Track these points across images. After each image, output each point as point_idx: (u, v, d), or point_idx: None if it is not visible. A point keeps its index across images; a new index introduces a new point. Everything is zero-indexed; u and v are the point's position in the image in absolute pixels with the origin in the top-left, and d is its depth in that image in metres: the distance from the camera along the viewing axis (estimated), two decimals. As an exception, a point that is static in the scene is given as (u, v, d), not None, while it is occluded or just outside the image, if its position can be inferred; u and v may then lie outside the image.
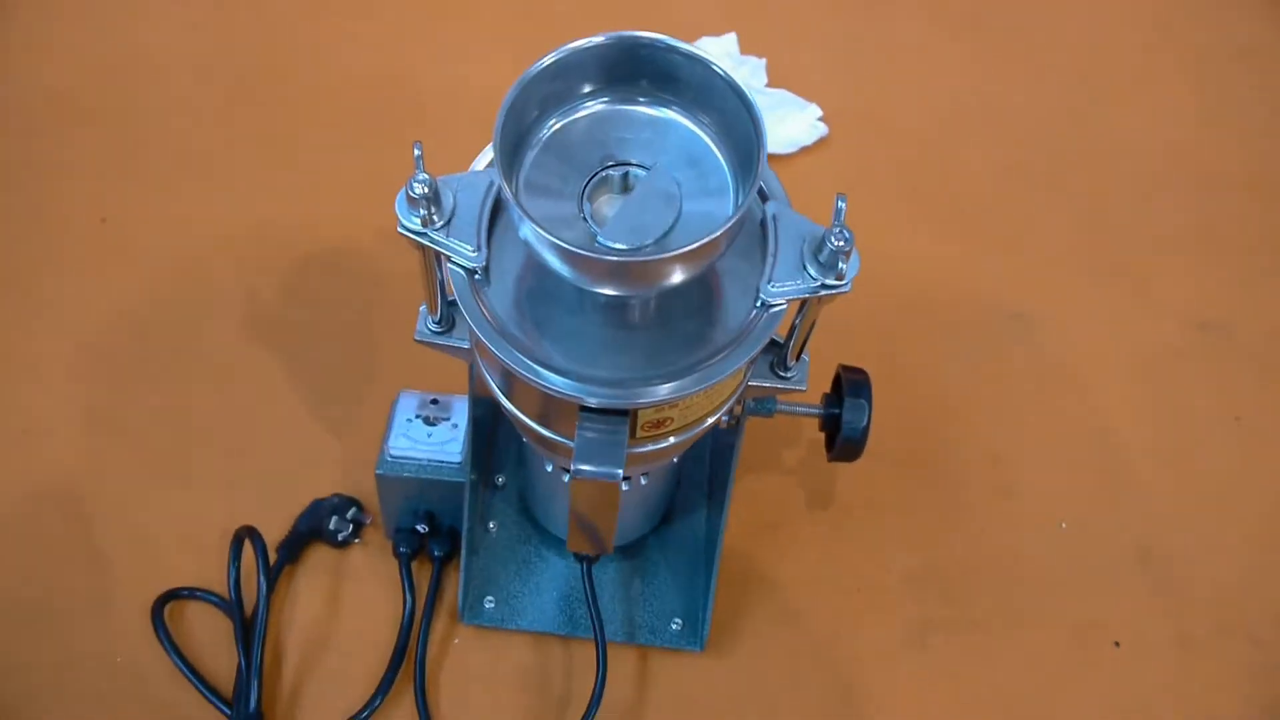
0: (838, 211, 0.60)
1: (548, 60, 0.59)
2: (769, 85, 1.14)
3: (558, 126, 0.62)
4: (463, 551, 0.83)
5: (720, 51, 1.13)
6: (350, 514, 0.87)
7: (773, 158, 1.08)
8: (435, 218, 0.61)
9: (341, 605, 0.85)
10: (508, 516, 0.88)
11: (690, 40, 0.60)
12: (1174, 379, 1.02)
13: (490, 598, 0.85)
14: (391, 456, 0.81)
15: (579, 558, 0.82)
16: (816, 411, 0.79)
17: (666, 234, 0.59)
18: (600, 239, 0.59)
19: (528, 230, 0.57)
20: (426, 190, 0.60)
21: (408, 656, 0.83)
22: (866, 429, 0.75)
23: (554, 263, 0.58)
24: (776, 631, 0.87)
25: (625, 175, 0.61)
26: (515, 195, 0.57)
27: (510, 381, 0.67)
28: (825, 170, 1.10)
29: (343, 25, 1.19)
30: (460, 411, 0.83)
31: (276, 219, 1.04)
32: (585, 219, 0.60)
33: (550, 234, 0.56)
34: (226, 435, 0.92)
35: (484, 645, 0.85)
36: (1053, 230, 1.10)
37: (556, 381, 0.60)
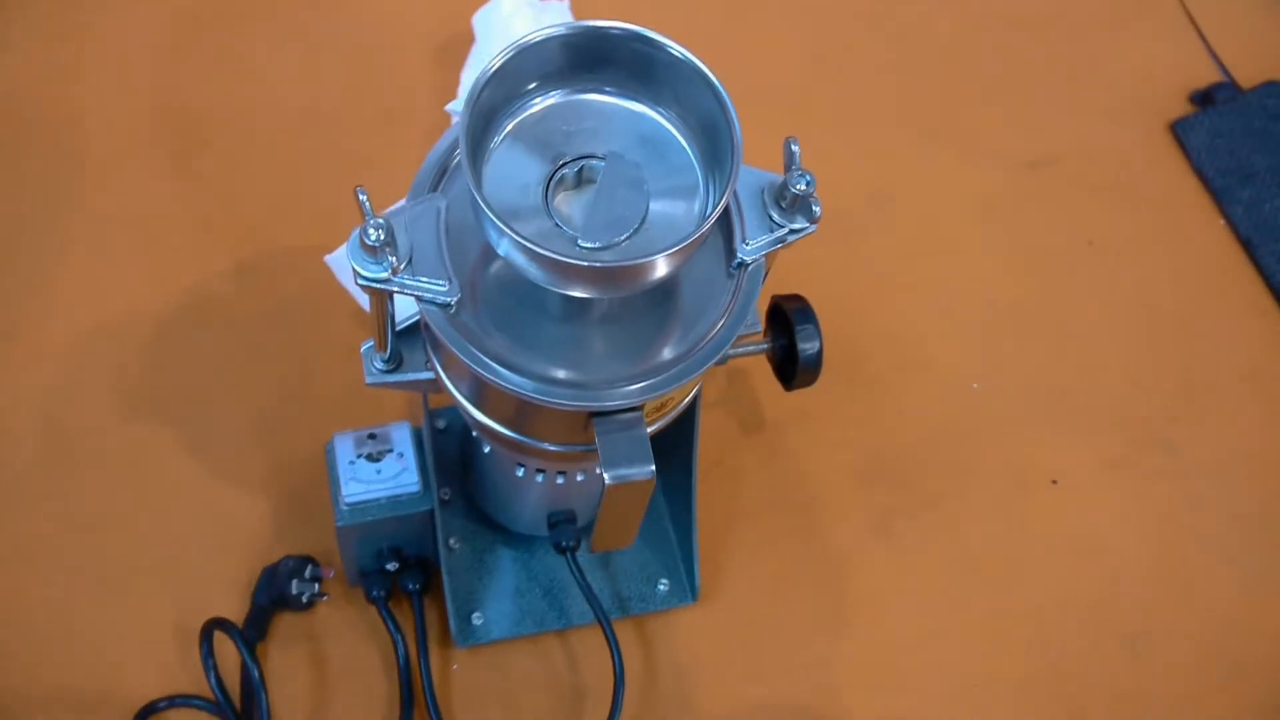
0: (793, 155, 0.60)
1: (509, 54, 0.56)
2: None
3: (510, 126, 0.59)
4: (444, 575, 0.80)
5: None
6: (308, 573, 0.82)
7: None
8: (395, 260, 0.57)
9: (329, 667, 0.82)
10: (464, 530, 0.86)
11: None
12: (1022, 220, 1.07)
13: (477, 614, 0.83)
14: (349, 505, 0.77)
15: (560, 549, 0.81)
16: (764, 347, 0.80)
17: (642, 223, 0.57)
18: (581, 241, 0.57)
19: (509, 246, 0.55)
20: (382, 234, 0.56)
21: (415, 697, 0.80)
22: (821, 350, 0.77)
23: (537, 274, 0.56)
24: (754, 560, 0.88)
25: (580, 170, 0.59)
26: (489, 208, 0.54)
27: (483, 392, 0.64)
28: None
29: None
30: (401, 439, 0.79)
31: (133, 291, 0.96)
32: (555, 221, 0.58)
33: (543, 248, 0.53)
34: (144, 526, 0.86)
35: (484, 663, 0.83)
36: (879, 106, 1.13)
37: (565, 396, 0.59)
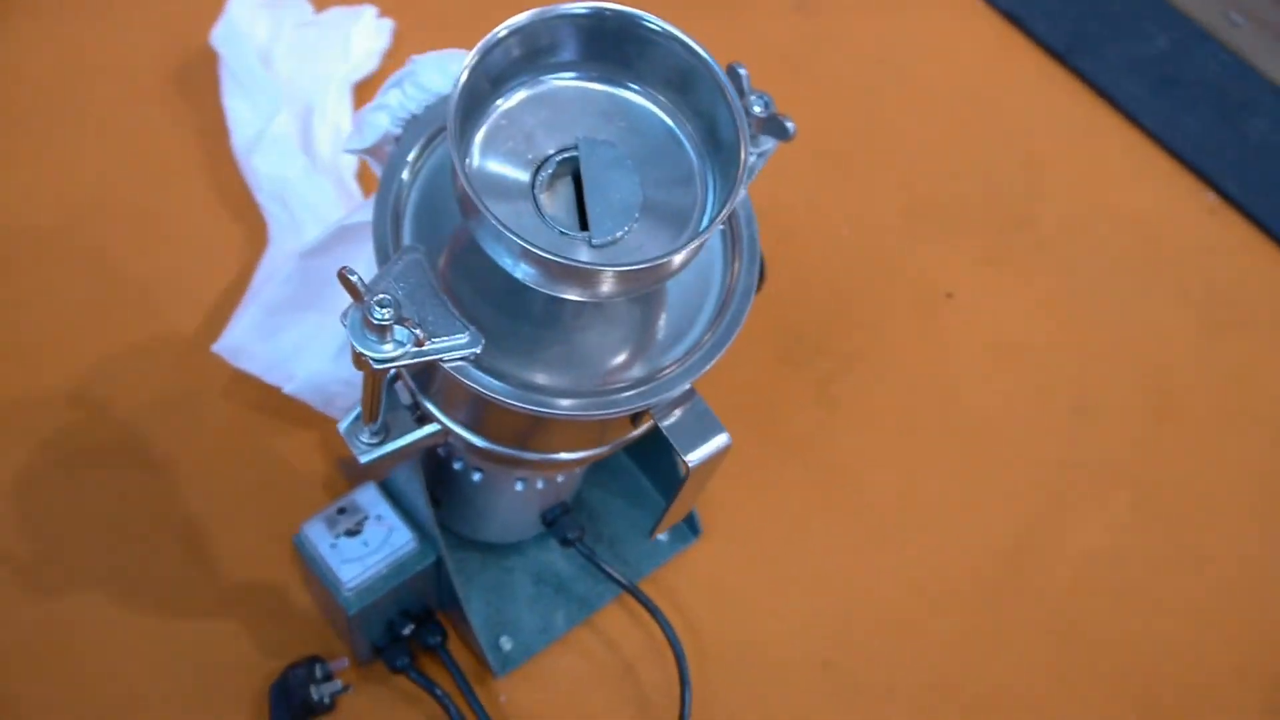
0: (741, 79, 0.58)
1: (501, 32, 0.51)
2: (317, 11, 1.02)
3: (481, 134, 0.54)
4: (468, 615, 0.76)
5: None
6: (319, 673, 0.76)
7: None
8: (419, 332, 0.52)
9: (384, 754, 0.76)
10: (451, 558, 0.81)
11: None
12: (819, 62, 1.08)
13: (504, 638, 0.79)
14: (352, 590, 0.71)
15: (567, 543, 0.78)
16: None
17: (644, 202, 0.54)
18: (594, 240, 0.53)
19: (526, 272, 0.51)
20: (390, 311, 0.51)
21: (484, 746, 0.76)
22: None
23: (555, 286, 0.51)
24: (730, 476, 0.87)
25: (557, 166, 0.54)
26: (514, 233, 0.49)
27: (495, 420, 0.60)
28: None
29: None
30: (370, 501, 0.74)
31: None
32: (560, 229, 0.53)
33: (573, 259, 0.50)
34: (118, 703, 0.76)
35: (529, 683, 0.79)
36: None
37: (625, 402, 0.55)
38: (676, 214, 0.54)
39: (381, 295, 0.51)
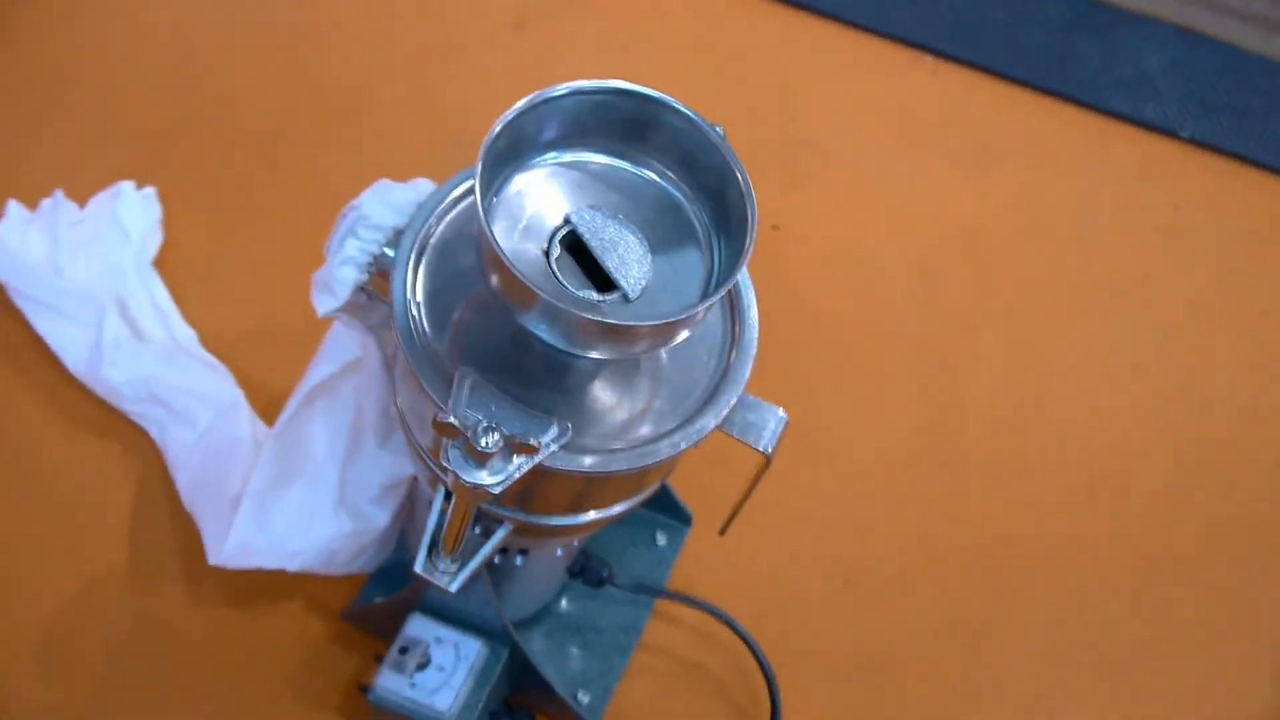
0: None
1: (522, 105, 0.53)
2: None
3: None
4: (551, 682, 0.77)
5: None
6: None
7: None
8: (532, 453, 0.54)
9: None
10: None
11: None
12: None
13: (580, 693, 0.81)
14: (452, 716, 0.72)
15: (600, 583, 0.81)
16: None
17: (652, 257, 0.57)
18: (631, 296, 0.56)
19: (572, 341, 0.53)
20: (497, 437, 0.52)
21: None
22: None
23: (596, 348, 0.55)
24: (702, 464, 0.92)
25: (567, 234, 0.57)
26: (547, 294, 0.51)
27: (543, 493, 0.62)
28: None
29: None
30: (422, 628, 0.74)
31: None
32: (580, 293, 0.56)
33: (637, 321, 0.53)
34: None
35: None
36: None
37: (700, 426, 0.59)
38: (684, 265, 0.57)
39: (482, 423, 0.52)
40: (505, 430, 0.53)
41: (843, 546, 0.92)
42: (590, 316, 0.51)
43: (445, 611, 0.75)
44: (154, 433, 0.87)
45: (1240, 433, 1.02)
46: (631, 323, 0.52)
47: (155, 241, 0.97)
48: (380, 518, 0.75)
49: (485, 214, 0.51)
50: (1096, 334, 1.06)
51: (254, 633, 0.82)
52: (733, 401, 0.59)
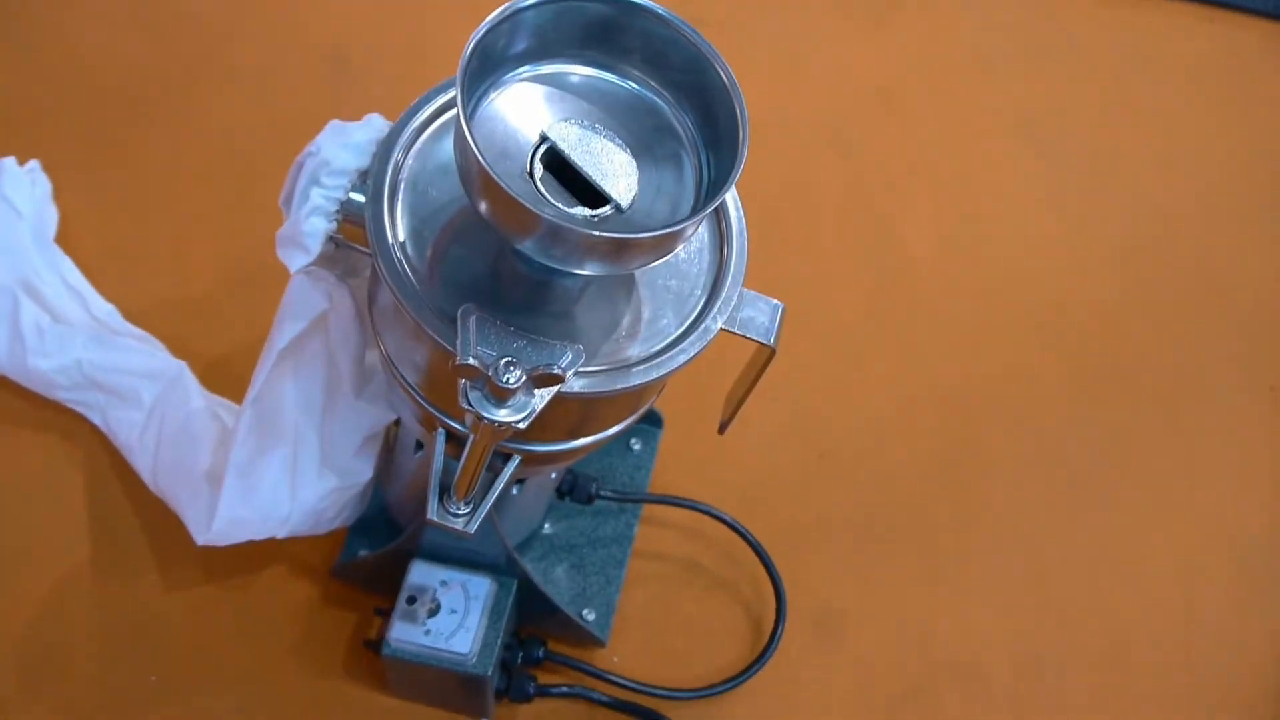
0: None
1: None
2: None
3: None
4: (560, 605, 0.77)
5: None
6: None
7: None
8: (555, 381, 0.52)
9: None
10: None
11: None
12: None
13: (585, 611, 0.81)
14: (474, 655, 0.71)
15: (591, 498, 0.80)
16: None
17: (638, 166, 0.55)
18: (623, 206, 0.54)
19: (563, 258, 0.52)
20: (519, 371, 0.51)
21: (634, 705, 0.79)
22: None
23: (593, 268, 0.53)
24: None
25: (546, 151, 0.54)
26: (550, 213, 0.50)
27: (550, 421, 0.61)
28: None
29: None
30: (425, 574, 0.73)
31: None
32: (561, 204, 0.53)
33: (635, 233, 0.51)
34: None
35: (627, 632, 0.82)
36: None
37: (706, 328, 0.58)
38: (670, 171, 0.55)
39: (502, 360, 0.50)
40: (525, 364, 0.51)
41: (812, 420, 0.92)
42: (599, 233, 0.49)
43: (446, 554, 0.74)
44: (95, 419, 0.83)
45: (1164, 234, 1.05)
46: (640, 235, 0.50)
47: (52, 217, 0.91)
48: (364, 470, 0.73)
49: (471, 138, 0.48)
50: (1016, 166, 1.08)
51: (242, 607, 0.80)
52: (734, 299, 0.58)
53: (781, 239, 1.00)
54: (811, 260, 1.00)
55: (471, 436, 0.55)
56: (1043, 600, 0.87)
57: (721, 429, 0.69)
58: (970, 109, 1.10)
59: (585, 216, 0.53)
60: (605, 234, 0.49)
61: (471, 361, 0.50)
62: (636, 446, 0.87)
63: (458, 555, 0.74)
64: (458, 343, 0.52)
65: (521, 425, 0.52)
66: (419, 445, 0.71)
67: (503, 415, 0.51)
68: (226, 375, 0.84)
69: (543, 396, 0.52)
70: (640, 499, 0.82)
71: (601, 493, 0.80)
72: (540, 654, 0.78)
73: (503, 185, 0.48)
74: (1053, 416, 0.95)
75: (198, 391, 0.80)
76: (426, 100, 0.58)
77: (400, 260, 0.55)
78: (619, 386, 0.55)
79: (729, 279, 0.58)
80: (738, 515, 0.83)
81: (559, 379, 0.51)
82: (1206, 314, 1.02)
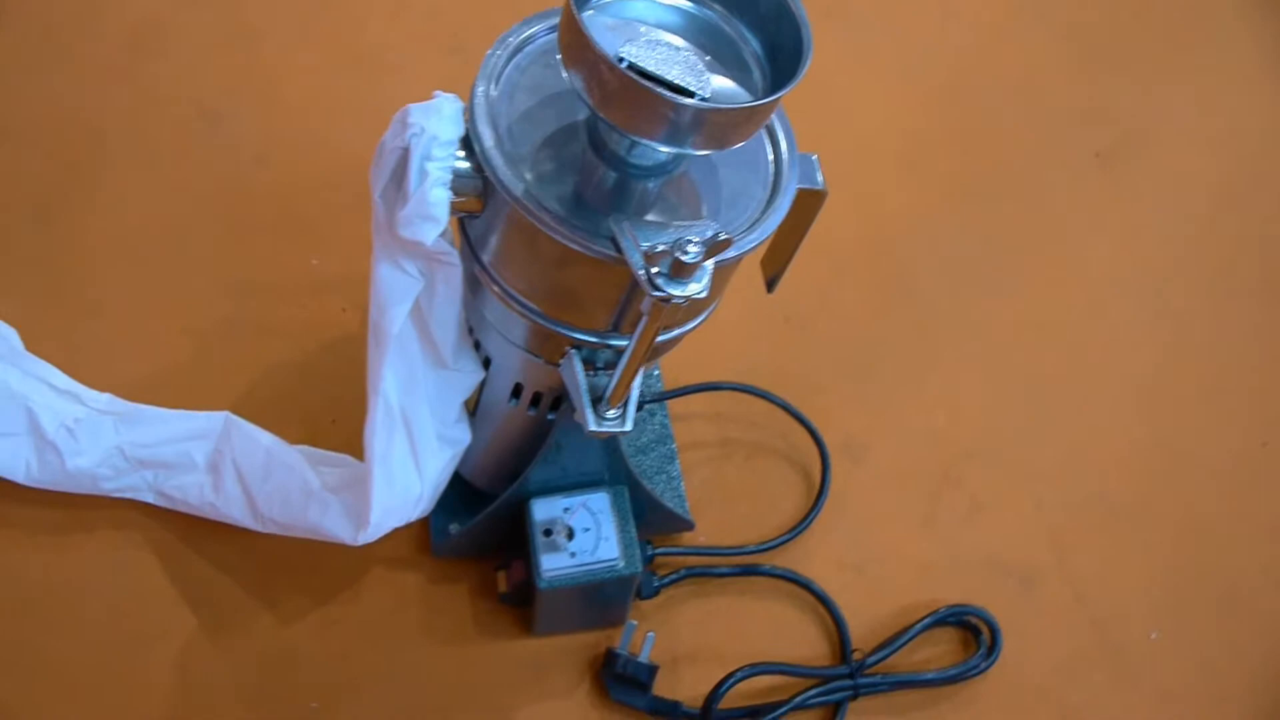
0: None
1: None
2: None
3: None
4: (664, 502, 0.85)
5: None
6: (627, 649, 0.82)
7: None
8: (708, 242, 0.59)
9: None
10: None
11: None
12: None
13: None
14: (621, 558, 0.78)
15: (640, 405, 0.87)
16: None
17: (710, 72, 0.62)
18: (703, 95, 0.61)
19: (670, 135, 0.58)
20: (700, 245, 0.58)
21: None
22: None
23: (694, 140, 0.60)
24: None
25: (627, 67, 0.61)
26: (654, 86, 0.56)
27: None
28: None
29: None
30: (544, 510, 0.79)
31: None
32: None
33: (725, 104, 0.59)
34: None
35: (704, 514, 0.90)
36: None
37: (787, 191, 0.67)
38: (739, 79, 0.63)
39: (690, 238, 0.58)
40: (697, 238, 0.59)
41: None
42: (733, 106, 0.57)
43: (555, 485, 0.79)
44: (146, 498, 0.83)
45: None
46: (766, 99, 0.58)
47: (10, 334, 0.89)
48: (466, 435, 0.77)
49: (587, 28, 0.55)
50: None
51: (361, 616, 0.83)
52: (795, 162, 0.67)
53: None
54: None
55: (640, 325, 0.61)
56: (1007, 378, 1.02)
57: (770, 286, 0.78)
58: None
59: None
60: (734, 105, 0.57)
61: (662, 247, 0.57)
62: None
63: (563, 482, 0.80)
64: (624, 244, 0.59)
65: (703, 295, 0.59)
66: (514, 393, 0.76)
67: (690, 290, 0.58)
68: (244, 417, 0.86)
69: (710, 266, 0.60)
70: (671, 394, 0.90)
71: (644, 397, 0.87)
72: (649, 552, 0.85)
73: (633, 78, 0.55)
74: (949, 231, 1.10)
75: (256, 429, 0.82)
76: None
77: (532, 195, 0.61)
78: (749, 248, 0.63)
79: (792, 147, 0.68)
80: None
81: (728, 242, 0.59)
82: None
